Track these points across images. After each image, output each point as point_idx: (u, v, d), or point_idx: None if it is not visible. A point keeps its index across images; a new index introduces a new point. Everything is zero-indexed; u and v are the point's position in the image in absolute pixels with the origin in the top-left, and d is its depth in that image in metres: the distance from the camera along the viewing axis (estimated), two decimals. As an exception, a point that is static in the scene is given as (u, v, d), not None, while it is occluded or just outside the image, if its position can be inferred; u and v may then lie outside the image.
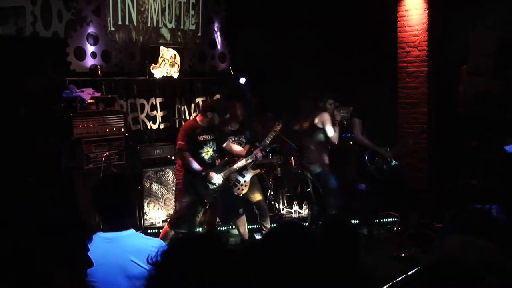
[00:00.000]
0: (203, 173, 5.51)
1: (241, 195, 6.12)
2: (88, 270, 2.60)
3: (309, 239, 1.99)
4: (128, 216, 2.70)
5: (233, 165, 5.86)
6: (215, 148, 5.71)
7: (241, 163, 5.89)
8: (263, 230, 6.24)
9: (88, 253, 2.61)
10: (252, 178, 6.20)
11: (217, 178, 5.60)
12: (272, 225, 6.30)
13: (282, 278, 1.88)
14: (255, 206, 6.35)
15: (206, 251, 1.56)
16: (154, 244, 2.52)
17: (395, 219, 6.85)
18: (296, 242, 1.94)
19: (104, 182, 2.93)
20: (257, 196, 6.26)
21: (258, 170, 6.31)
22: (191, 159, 5.50)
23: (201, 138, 5.58)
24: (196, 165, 5.49)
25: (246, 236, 6.02)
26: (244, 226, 6.00)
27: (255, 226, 6.88)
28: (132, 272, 2.44)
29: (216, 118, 5.63)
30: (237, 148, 5.99)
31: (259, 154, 5.83)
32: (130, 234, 2.61)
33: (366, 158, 6.00)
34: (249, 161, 5.88)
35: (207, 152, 5.65)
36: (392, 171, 6.18)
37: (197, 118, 5.72)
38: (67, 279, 1.81)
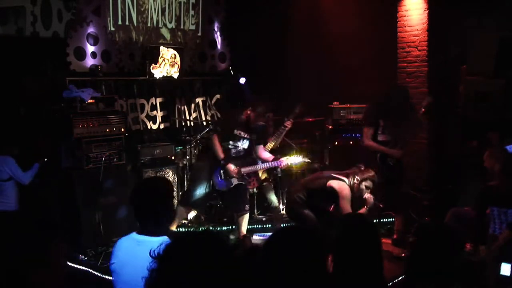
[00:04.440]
0: (222, 162, 5.65)
1: (252, 190, 6.16)
2: (115, 268, 2.61)
3: (312, 244, 1.98)
4: (163, 224, 2.61)
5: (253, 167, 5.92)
6: (245, 147, 5.82)
7: (256, 168, 5.97)
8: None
9: (119, 251, 2.65)
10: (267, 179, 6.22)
11: (233, 172, 5.69)
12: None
13: (283, 283, 1.88)
14: (270, 207, 6.35)
15: (207, 246, 1.58)
16: None
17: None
18: (297, 246, 1.93)
19: (143, 184, 2.83)
20: (274, 198, 6.27)
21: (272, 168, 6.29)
22: (217, 143, 5.72)
23: (236, 132, 5.75)
24: (220, 151, 5.69)
25: (242, 234, 5.98)
26: (244, 225, 5.98)
27: (255, 226, 6.89)
28: None
29: (254, 118, 5.73)
30: (265, 155, 6.00)
31: (283, 164, 5.77)
32: (160, 241, 2.54)
33: (378, 158, 5.87)
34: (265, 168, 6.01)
35: (236, 146, 5.78)
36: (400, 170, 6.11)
37: (248, 112, 5.85)
38: (44, 277, 1.80)
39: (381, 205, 5.31)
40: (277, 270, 1.88)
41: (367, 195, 5.10)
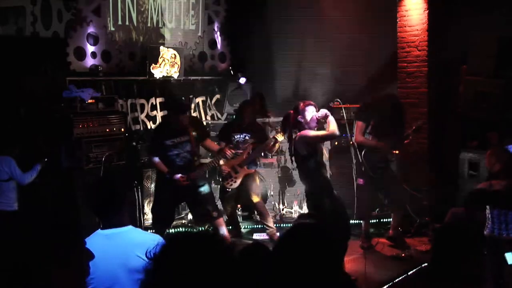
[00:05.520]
0: (167, 176, 5.47)
1: (229, 189, 6.15)
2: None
3: (325, 242, 1.98)
4: (124, 214, 2.72)
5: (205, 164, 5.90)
6: (188, 150, 5.57)
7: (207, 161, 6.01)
8: (267, 230, 6.27)
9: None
10: (249, 178, 6.18)
11: (182, 180, 5.48)
12: (278, 225, 6.40)
13: (291, 279, 1.88)
14: (254, 207, 6.37)
15: (203, 247, 1.57)
16: (155, 238, 2.58)
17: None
18: (312, 243, 1.94)
19: (94, 184, 2.99)
20: (255, 197, 6.24)
21: (252, 170, 6.24)
22: (157, 164, 5.62)
23: (169, 142, 5.51)
24: (163, 168, 5.59)
25: (228, 238, 5.79)
26: (222, 228, 5.79)
27: (255, 226, 6.90)
28: (135, 265, 2.47)
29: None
30: (212, 145, 5.92)
31: (228, 152, 5.66)
32: (129, 229, 2.67)
33: (362, 155, 5.91)
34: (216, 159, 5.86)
35: (177, 155, 5.55)
36: (389, 170, 6.14)
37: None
38: (64, 278, 1.81)
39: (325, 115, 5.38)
40: (290, 268, 1.89)
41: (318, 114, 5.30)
